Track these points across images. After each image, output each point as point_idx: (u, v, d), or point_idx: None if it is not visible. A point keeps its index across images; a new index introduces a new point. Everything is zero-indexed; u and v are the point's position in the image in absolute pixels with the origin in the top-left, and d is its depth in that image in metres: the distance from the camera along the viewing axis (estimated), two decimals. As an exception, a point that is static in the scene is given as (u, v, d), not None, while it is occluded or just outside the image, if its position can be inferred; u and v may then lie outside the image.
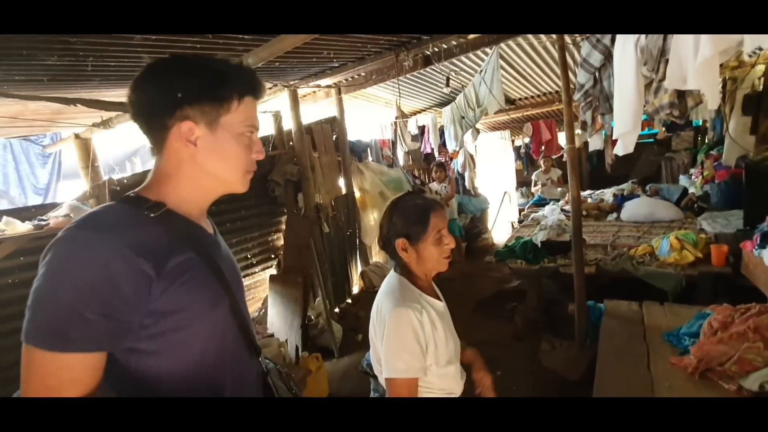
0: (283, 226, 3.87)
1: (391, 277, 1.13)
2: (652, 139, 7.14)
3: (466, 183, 6.07)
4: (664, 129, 6.17)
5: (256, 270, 3.75)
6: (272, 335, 2.97)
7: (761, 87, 3.31)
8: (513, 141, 7.28)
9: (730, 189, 3.85)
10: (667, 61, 1.71)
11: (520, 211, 6.50)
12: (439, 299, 1.15)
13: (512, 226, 6.28)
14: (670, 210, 4.06)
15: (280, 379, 0.93)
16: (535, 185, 6.30)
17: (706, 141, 5.60)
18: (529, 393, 2.55)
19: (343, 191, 4.39)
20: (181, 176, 0.73)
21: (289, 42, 1.66)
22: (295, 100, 3.70)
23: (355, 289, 4.51)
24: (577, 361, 2.67)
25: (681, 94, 1.79)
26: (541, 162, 5.99)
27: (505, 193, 7.01)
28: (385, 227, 1.12)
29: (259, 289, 3.83)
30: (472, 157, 6.10)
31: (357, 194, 4.54)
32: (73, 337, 0.58)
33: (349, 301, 4.30)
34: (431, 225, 1.06)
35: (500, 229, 6.73)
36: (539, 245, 3.48)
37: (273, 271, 3.84)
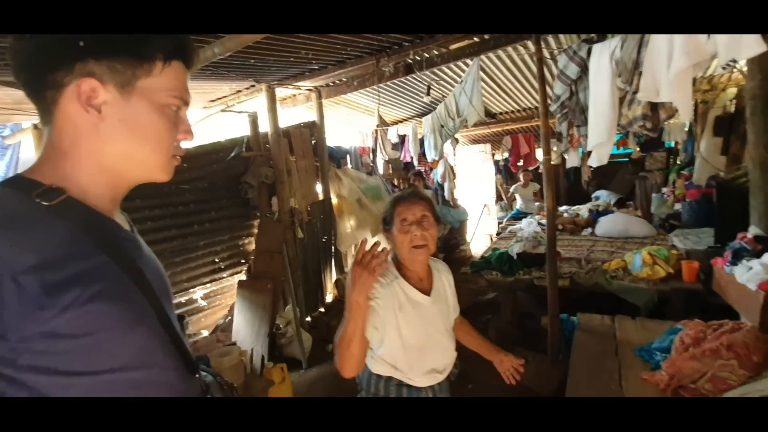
0: (255, 230, 3.73)
1: None
2: (627, 159, 7.31)
3: (446, 193, 6.06)
4: (638, 149, 6.34)
5: (224, 275, 3.59)
6: (234, 343, 2.81)
7: (732, 109, 3.41)
8: (493, 155, 7.35)
9: (701, 207, 3.93)
10: (641, 73, 1.71)
11: (499, 224, 6.52)
12: (424, 293, 1.19)
13: (491, 238, 6.29)
14: (643, 226, 4.13)
15: (221, 393, 0.83)
16: (514, 199, 6.35)
17: (678, 161, 5.77)
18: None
19: (320, 197, 4.29)
20: (81, 154, 0.57)
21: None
22: (272, 101, 3.61)
23: (329, 298, 4.38)
24: (550, 375, 2.62)
25: (654, 107, 1.80)
26: (521, 176, 6.05)
27: (485, 205, 7.04)
28: None
29: (227, 295, 3.66)
30: (452, 168, 6.11)
31: (334, 200, 4.44)
32: None
33: (322, 310, 4.16)
34: (396, 213, 1.16)
35: (479, 242, 6.73)
36: (515, 257, 3.46)
37: (242, 276, 3.68)
